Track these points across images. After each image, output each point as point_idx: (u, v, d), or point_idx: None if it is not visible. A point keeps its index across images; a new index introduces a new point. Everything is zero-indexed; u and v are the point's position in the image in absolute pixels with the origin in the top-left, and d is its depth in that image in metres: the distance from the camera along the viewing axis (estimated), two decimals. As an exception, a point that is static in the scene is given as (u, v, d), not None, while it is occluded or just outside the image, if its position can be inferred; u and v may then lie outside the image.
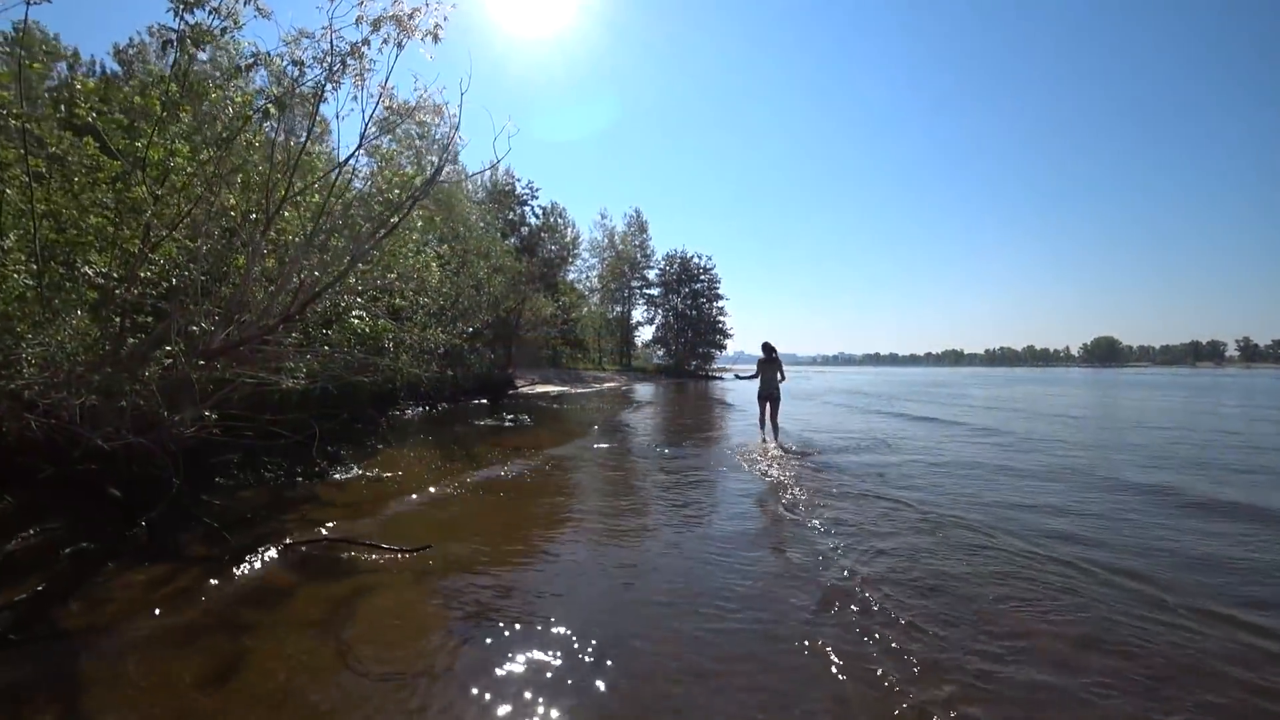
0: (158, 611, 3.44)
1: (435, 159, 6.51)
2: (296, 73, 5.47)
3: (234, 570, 4.09)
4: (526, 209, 41.23)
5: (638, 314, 65.05)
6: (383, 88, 5.20)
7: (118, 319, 5.21)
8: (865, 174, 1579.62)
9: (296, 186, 5.32)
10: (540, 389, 29.49)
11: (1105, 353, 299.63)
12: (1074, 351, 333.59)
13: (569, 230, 53.73)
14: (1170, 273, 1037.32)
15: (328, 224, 5.31)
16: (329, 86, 5.51)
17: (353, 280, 5.86)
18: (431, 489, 6.71)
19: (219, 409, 6.22)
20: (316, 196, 5.54)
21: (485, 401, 19.97)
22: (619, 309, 63.28)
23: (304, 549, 4.46)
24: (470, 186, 34.53)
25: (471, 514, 5.71)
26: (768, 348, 11.29)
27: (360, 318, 7.76)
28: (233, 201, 5.98)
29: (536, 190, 41.55)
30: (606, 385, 37.16)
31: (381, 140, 5.99)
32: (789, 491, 6.73)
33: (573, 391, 28.89)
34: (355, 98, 5.47)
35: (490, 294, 18.22)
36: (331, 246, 5.23)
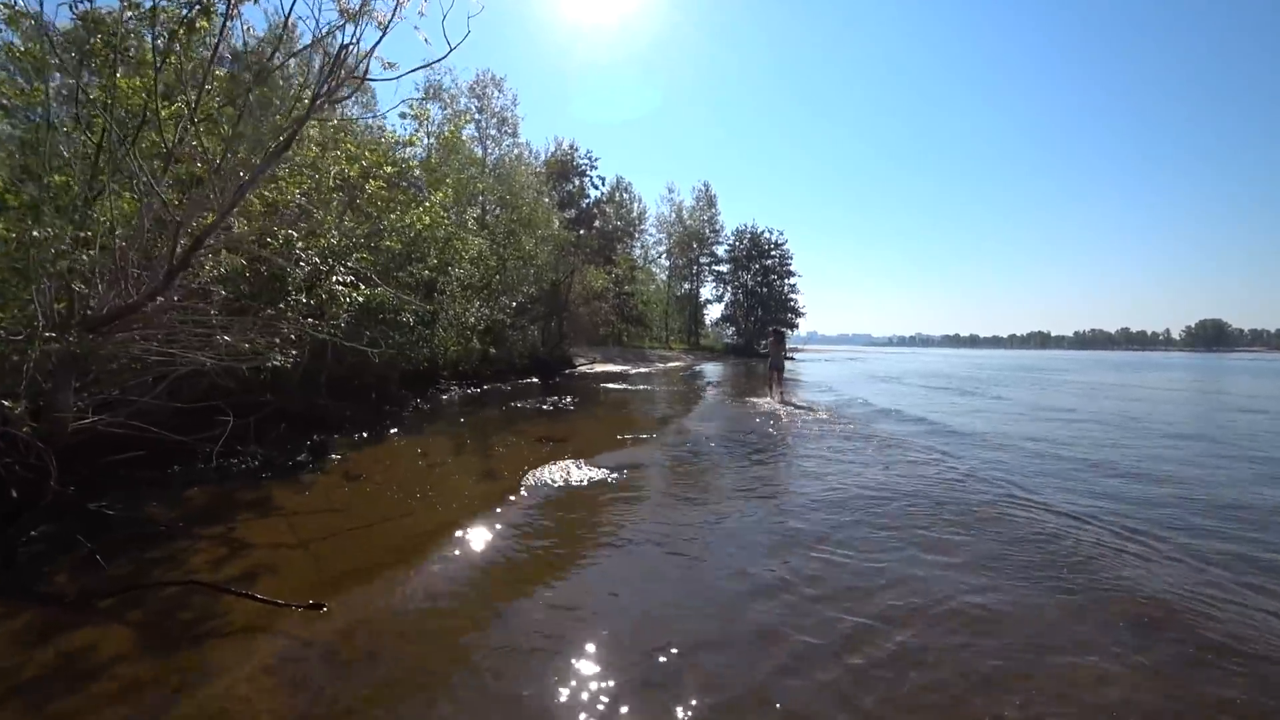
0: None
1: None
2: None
3: (72, 620, 2.96)
4: (585, 179, 39.78)
5: (706, 291, 63.00)
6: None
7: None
8: (948, 149, 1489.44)
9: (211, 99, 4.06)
10: (599, 368, 28.35)
11: (1212, 336, 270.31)
12: (1175, 334, 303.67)
13: (635, 205, 52.17)
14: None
15: (237, 148, 4.04)
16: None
17: (254, 223, 4.60)
18: (416, 495, 5.48)
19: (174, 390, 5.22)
20: (211, 104, 4.27)
21: (535, 381, 18.92)
22: (687, 286, 61.37)
23: (172, 590, 3.27)
24: (530, 159, 33.56)
25: (433, 541, 4.40)
26: (777, 333, 15.53)
27: (346, 284, 6.60)
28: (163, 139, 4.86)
29: (595, 160, 39.99)
30: (670, 365, 35.68)
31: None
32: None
33: (633, 371, 27.57)
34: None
35: (537, 265, 16.98)
36: (229, 174, 3.93)
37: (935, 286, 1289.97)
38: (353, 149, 7.19)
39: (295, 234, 6.21)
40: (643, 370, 28.93)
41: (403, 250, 8.59)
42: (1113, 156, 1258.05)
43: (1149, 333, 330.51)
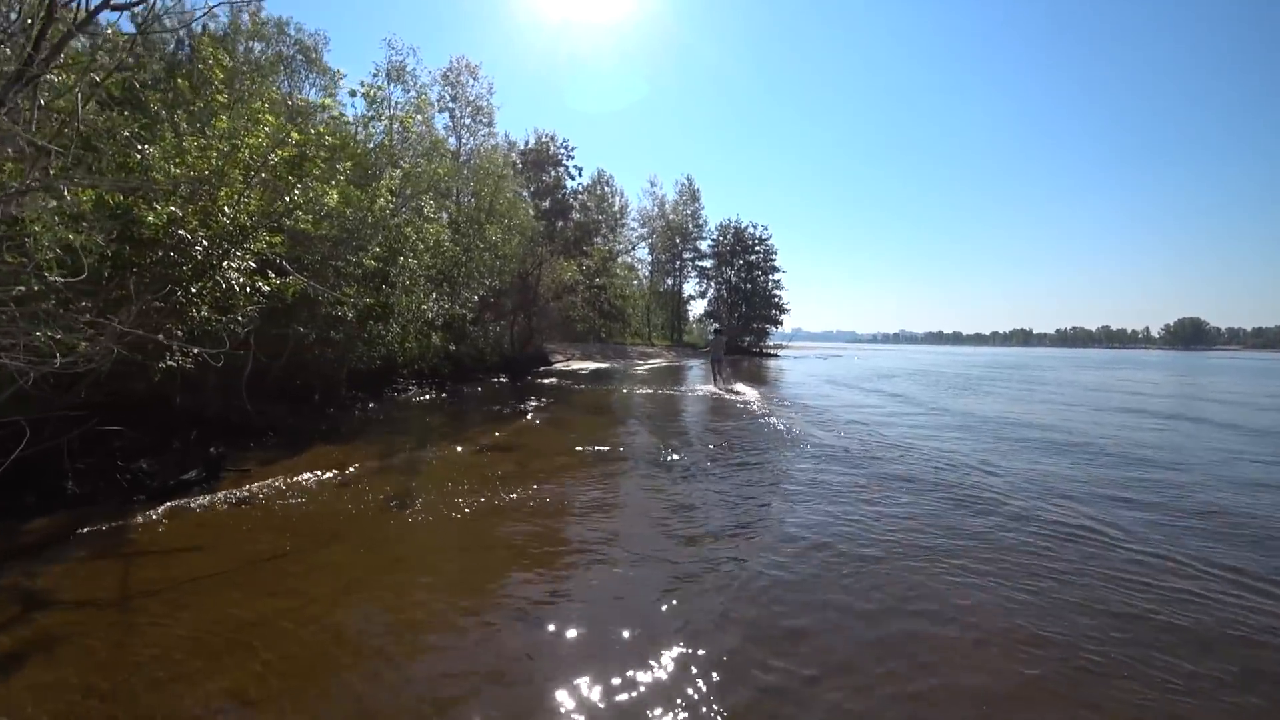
0: None
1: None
2: None
3: None
4: (562, 169, 38.56)
5: (689, 287, 62.07)
6: None
7: None
8: (931, 150, 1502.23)
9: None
10: (576, 365, 27.43)
11: (1190, 334, 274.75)
12: (1154, 332, 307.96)
13: (617, 199, 51.01)
14: (1268, 247, 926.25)
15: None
16: None
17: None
18: (304, 532, 4.56)
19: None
20: None
21: (505, 380, 17.92)
22: (670, 281, 60.42)
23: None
24: (507, 150, 32.50)
25: (293, 601, 3.50)
26: (717, 330, 20.42)
27: (244, 270, 5.63)
28: None
29: (572, 149, 38.76)
30: (651, 362, 34.75)
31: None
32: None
33: (609, 369, 26.63)
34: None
35: (503, 255, 15.95)
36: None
37: (919, 284, 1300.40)
38: (268, 119, 6.22)
39: (180, 211, 5.25)
40: (618, 367, 28.04)
41: (339, 235, 7.63)
42: (1092, 157, 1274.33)
43: (1129, 330, 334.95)
